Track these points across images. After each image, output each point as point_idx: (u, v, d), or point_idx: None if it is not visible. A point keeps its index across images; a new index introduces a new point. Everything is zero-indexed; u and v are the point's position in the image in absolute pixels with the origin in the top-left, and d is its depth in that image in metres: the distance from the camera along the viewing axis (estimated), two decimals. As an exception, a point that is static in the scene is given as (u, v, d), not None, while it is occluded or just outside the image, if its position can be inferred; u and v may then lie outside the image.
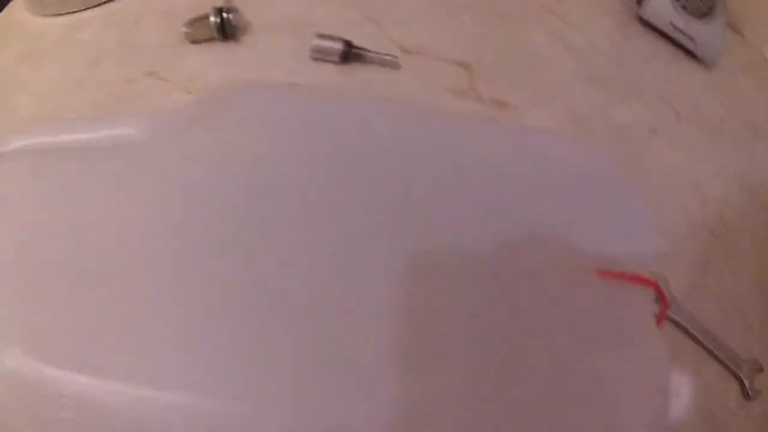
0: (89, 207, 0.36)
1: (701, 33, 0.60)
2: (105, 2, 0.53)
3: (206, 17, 0.48)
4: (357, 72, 0.49)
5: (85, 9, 0.52)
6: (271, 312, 0.31)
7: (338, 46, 0.48)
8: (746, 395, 0.45)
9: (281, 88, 0.45)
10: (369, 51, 0.48)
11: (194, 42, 0.49)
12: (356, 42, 0.49)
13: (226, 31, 0.48)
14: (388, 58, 0.48)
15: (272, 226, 0.34)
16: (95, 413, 0.29)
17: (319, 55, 0.48)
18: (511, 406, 0.33)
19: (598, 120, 0.53)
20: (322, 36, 0.48)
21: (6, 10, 0.54)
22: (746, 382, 0.45)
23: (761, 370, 0.47)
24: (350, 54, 0.48)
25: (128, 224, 0.35)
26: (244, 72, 0.48)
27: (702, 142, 0.56)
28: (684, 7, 0.60)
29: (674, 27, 0.61)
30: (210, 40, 0.49)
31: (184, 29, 0.49)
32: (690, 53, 0.61)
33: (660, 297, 0.41)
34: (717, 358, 0.45)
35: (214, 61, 0.49)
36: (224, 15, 0.48)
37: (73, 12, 0.52)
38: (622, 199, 0.43)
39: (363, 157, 0.39)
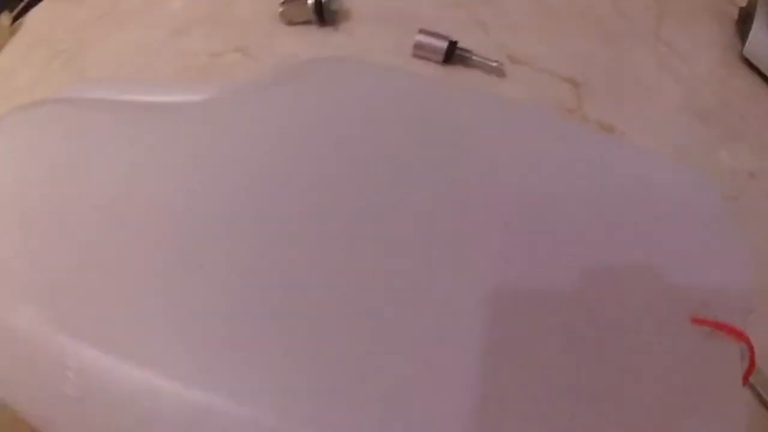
0: (135, 167, 0.32)
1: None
2: None
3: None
4: (460, 74, 0.45)
5: None
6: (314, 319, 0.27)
7: (442, 45, 0.44)
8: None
9: (374, 67, 0.41)
10: (474, 54, 0.45)
11: (290, 23, 0.46)
12: (461, 43, 0.45)
13: (324, 15, 0.45)
14: (493, 64, 0.45)
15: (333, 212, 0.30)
16: (96, 391, 0.26)
17: (422, 52, 0.45)
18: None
19: (699, 156, 0.50)
20: (426, 32, 0.45)
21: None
22: None
23: None
24: (454, 55, 0.45)
25: (169, 191, 0.31)
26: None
27: None
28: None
29: None
30: (306, 22, 0.46)
31: (280, 9, 0.46)
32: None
33: (750, 354, 0.37)
34: None
35: (308, 45, 0.45)
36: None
37: None
38: (722, 239, 0.39)
39: (449, 158, 0.35)
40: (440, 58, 0.45)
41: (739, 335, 0.34)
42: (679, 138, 0.51)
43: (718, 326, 0.33)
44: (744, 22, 0.57)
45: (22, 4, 0.53)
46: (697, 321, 0.32)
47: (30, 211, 0.30)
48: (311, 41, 0.46)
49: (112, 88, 0.40)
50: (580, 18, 0.53)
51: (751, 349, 0.36)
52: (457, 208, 0.33)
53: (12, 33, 0.50)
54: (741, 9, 0.58)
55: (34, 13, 0.51)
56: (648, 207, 0.37)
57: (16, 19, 0.51)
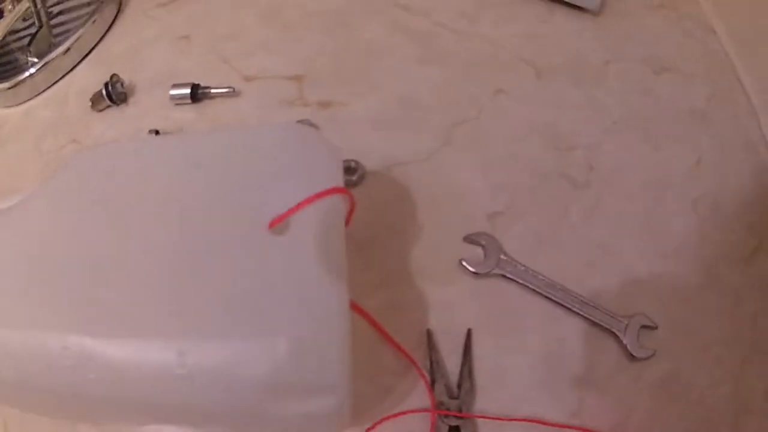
0: None
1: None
2: (43, 90, 0.69)
3: (101, 91, 0.64)
4: (207, 107, 0.61)
5: (32, 97, 0.69)
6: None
7: (186, 91, 0.60)
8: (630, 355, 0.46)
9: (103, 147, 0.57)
10: (212, 88, 0.60)
11: (98, 111, 0.65)
12: (208, 82, 0.61)
13: (113, 97, 0.63)
14: (226, 90, 0.60)
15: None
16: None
17: (177, 101, 0.61)
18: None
19: (428, 96, 0.60)
20: (175, 85, 0.61)
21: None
22: (625, 341, 0.46)
23: (652, 327, 0.47)
24: (198, 94, 0.61)
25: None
26: (129, 127, 0.62)
27: (566, 90, 0.60)
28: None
29: None
30: (108, 107, 0.64)
31: (89, 102, 0.65)
32: (567, 4, 0.66)
33: (351, 201, 0.45)
34: (576, 314, 0.47)
35: (110, 123, 0.63)
36: (109, 87, 0.63)
37: (23, 102, 0.69)
38: (313, 160, 0.47)
39: (150, 182, 0.48)
40: (189, 100, 0.61)
41: (330, 192, 0.44)
42: (409, 87, 0.61)
43: (289, 212, 0.42)
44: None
45: None
46: (273, 222, 0.42)
47: None
48: (112, 119, 0.63)
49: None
50: (310, 20, 0.66)
51: (350, 196, 0.46)
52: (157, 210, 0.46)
53: None
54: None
55: None
56: (251, 154, 0.47)
57: None
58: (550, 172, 0.55)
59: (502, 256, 0.51)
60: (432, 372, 0.47)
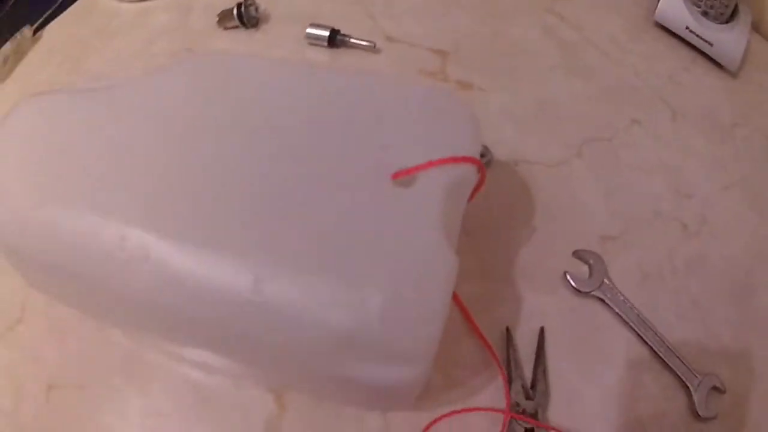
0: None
1: (720, 37, 0.61)
2: None
3: (232, 9, 0.61)
4: (343, 55, 0.58)
5: None
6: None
7: (325, 33, 0.58)
8: (696, 413, 0.44)
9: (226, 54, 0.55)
10: (352, 37, 0.58)
11: (225, 28, 0.62)
12: (348, 32, 0.58)
13: (245, 20, 0.60)
14: (366, 43, 0.57)
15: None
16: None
17: (312, 41, 0.58)
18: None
19: (567, 106, 0.58)
20: (314, 25, 0.58)
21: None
22: (695, 397, 0.44)
23: (721, 390, 0.45)
24: (336, 39, 0.58)
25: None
26: (254, 52, 0.59)
27: (695, 139, 0.58)
28: (705, 13, 0.62)
29: (690, 31, 0.62)
30: (236, 27, 0.62)
31: (216, 18, 0.62)
32: (709, 57, 0.63)
33: (481, 172, 0.42)
34: (658, 357, 0.46)
35: (235, 43, 0.61)
36: (242, 8, 0.60)
37: (141, 0, 0.67)
38: (454, 127, 0.44)
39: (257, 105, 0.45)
40: (325, 43, 0.58)
41: (465, 160, 0.41)
42: (547, 92, 0.59)
43: (423, 166, 0.39)
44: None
45: (41, 19, 0.72)
46: (399, 173, 0.39)
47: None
48: (237, 40, 0.61)
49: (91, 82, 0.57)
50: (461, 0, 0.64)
51: (483, 171, 0.43)
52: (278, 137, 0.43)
53: (33, 42, 0.69)
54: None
55: (52, 27, 0.69)
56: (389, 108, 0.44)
57: (37, 31, 0.70)
58: (666, 213, 0.53)
59: (605, 280, 0.49)
60: (509, 370, 0.45)
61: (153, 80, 0.47)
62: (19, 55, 0.73)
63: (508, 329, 0.46)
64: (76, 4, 0.71)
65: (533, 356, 0.45)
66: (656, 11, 0.64)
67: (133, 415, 0.43)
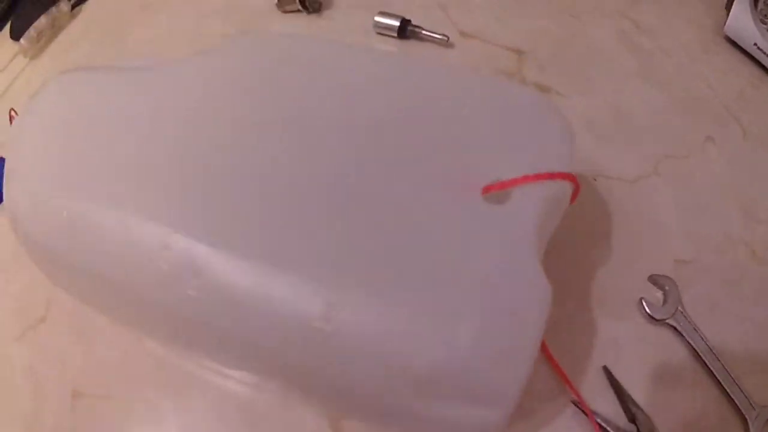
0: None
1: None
2: None
3: (294, -8, 0.57)
4: (412, 47, 0.55)
5: None
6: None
7: (395, 23, 0.54)
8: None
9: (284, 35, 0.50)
10: (423, 29, 0.54)
11: (284, 11, 0.58)
12: (419, 23, 0.55)
13: (308, 4, 0.57)
14: (439, 36, 0.54)
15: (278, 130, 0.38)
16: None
17: (381, 30, 0.55)
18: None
19: (644, 117, 0.55)
20: (384, 13, 0.55)
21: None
22: (752, 429, 0.42)
23: None
24: (407, 30, 0.54)
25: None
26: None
27: (764, 161, 0.55)
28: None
29: (758, 48, 0.60)
30: (296, 11, 0.58)
31: (275, 1, 0.58)
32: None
33: (575, 186, 0.39)
34: (720, 387, 0.44)
35: (296, 28, 0.57)
36: (307, -8, 0.57)
37: None
38: (544, 132, 0.40)
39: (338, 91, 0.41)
40: (395, 33, 0.54)
41: (562, 176, 0.38)
42: (624, 100, 0.56)
43: (513, 182, 0.36)
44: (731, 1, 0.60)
45: None
46: (490, 187, 0.35)
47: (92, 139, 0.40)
48: (299, 25, 0.57)
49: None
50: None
51: (578, 189, 0.40)
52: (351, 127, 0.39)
53: (72, 17, 0.65)
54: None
55: (91, 1, 0.66)
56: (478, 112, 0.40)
57: (75, 6, 0.66)
58: (736, 238, 0.51)
59: (678, 308, 0.46)
60: (628, 411, 0.42)
61: (202, 61, 0.43)
62: (55, 30, 0.69)
63: (606, 369, 0.44)
64: (118, -22, 0.67)
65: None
66: (725, 25, 0.62)
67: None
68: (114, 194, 0.36)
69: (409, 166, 0.36)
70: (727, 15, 0.61)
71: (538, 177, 0.35)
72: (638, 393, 0.43)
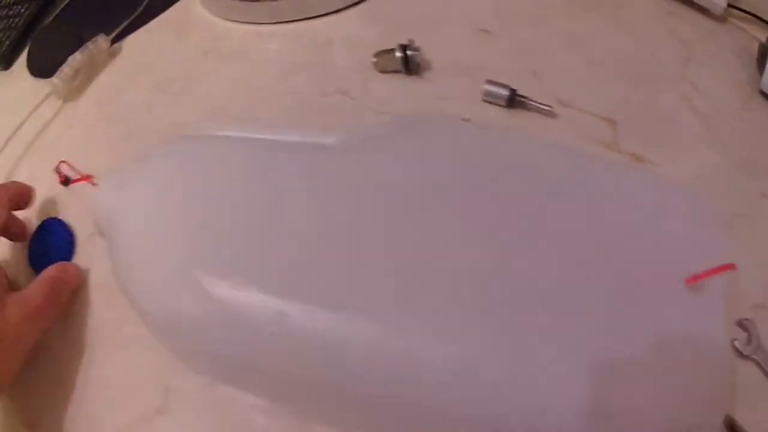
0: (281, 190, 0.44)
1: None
2: (289, 21, 0.61)
3: (393, 51, 0.56)
4: (520, 117, 0.56)
5: (271, 23, 0.60)
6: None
7: (505, 92, 0.55)
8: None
9: (458, 123, 0.53)
10: (530, 99, 0.56)
11: (382, 71, 0.57)
12: (518, 89, 0.56)
13: (410, 66, 0.56)
14: (545, 107, 0.56)
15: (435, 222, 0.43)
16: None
17: (489, 98, 0.56)
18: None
19: (715, 183, 0.60)
20: (491, 82, 0.56)
21: (180, 3, 0.62)
22: None
23: None
24: (515, 100, 0.56)
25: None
26: (425, 104, 0.56)
27: None
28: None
29: None
30: (395, 71, 0.57)
31: (373, 59, 0.57)
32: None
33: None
34: None
35: (397, 91, 0.57)
36: (408, 52, 0.56)
37: (256, 23, 0.60)
38: (704, 236, 0.49)
39: (511, 184, 0.47)
40: (504, 103, 0.56)
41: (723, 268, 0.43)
42: (699, 166, 0.61)
43: (712, 272, 0.41)
44: (764, 56, 0.64)
45: (117, 30, 0.64)
46: (690, 279, 0.40)
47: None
48: (400, 87, 0.57)
49: (245, 128, 0.51)
50: (615, 65, 0.64)
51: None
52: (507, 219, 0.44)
53: (110, 55, 0.61)
54: (760, 45, 0.64)
55: (132, 39, 0.62)
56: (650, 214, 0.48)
57: (113, 42, 0.62)
58: None
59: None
60: None
61: (363, 140, 0.44)
62: (93, 68, 0.63)
63: (730, 419, 0.47)
64: (163, 15, 0.62)
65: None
66: (761, 81, 0.67)
67: None
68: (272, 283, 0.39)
69: (594, 259, 0.41)
70: (762, 71, 0.67)
71: (727, 267, 0.41)
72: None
